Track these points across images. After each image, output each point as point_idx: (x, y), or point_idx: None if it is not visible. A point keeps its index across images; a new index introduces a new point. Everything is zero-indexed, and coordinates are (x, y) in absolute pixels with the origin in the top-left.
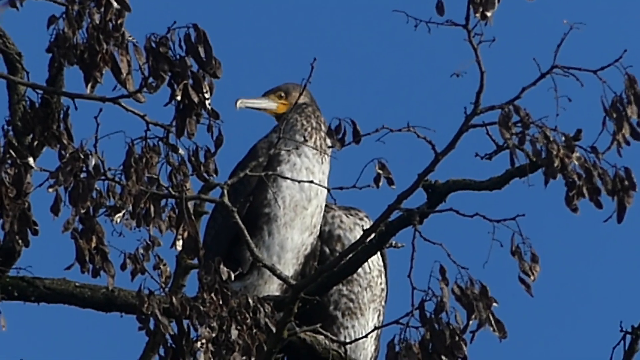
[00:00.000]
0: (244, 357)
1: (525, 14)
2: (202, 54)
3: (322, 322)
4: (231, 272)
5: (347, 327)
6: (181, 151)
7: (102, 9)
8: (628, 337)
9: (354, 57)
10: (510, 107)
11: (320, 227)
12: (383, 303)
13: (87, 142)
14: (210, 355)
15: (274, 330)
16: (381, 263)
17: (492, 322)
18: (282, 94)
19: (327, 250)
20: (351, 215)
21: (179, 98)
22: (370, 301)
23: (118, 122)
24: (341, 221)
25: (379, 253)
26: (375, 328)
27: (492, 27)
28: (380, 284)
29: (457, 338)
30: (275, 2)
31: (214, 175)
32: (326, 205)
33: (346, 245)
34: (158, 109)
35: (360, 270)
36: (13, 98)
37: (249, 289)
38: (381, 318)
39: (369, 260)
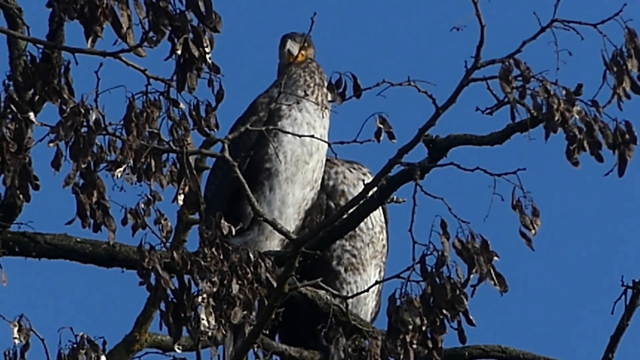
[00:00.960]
0: (245, 312)
1: None
2: (202, 8)
3: (324, 277)
4: (232, 227)
5: (349, 283)
6: (182, 105)
7: None
8: (629, 291)
9: (354, 11)
10: (511, 61)
11: (324, 182)
12: (384, 259)
13: (88, 97)
14: (211, 310)
15: (275, 284)
16: (383, 219)
17: (493, 276)
18: (306, 45)
19: (332, 205)
20: (354, 169)
21: (179, 52)
22: (372, 257)
23: (119, 77)
24: (345, 176)
25: (380, 209)
26: (377, 282)
27: None
28: (382, 239)
29: (458, 292)
30: None
31: (215, 130)
32: (329, 160)
33: (349, 200)
34: (159, 64)
35: (362, 226)
36: (14, 53)
37: (250, 244)
38: (382, 274)
39: (371, 216)
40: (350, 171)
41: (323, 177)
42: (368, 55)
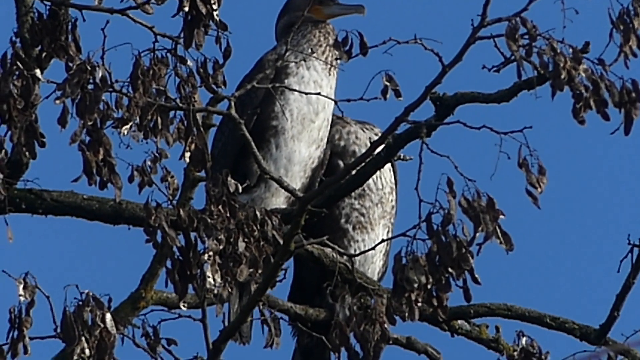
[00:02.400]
0: (251, 270)
1: None
2: None
3: (332, 235)
4: (239, 185)
5: (357, 241)
6: (189, 63)
7: None
8: (635, 250)
9: None
10: (517, 19)
11: (335, 141)
12: (392, 220)
13: (95, 54)
14: (217, 268)
15: (281, 242)
16: (393, 180)
17: (499, 234)
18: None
19: (342, 164)
20: (366, 129)
21: (186, 9)
22: (380, 217)
23: (126, 34)
24: (357, 137)
25: (391, 169)
26: (383, 240)
27: None
28: (391, 200)
29: (463, 250)
30: None
31: (223, 87)
32: (342, 119)
33: None
34: (166, 21)
35: (372, 185)
36: (21, 10)
37: (256, 202)
38: (390, 234)
39: (382, 177)
40: (363, 131)
41: (334, 137)
42: (374, 13)
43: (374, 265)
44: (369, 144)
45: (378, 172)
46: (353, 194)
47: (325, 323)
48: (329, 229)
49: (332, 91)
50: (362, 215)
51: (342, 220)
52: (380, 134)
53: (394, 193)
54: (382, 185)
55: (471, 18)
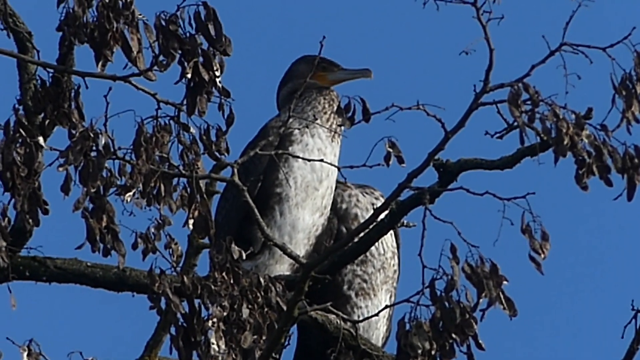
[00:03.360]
0: (255, 336)
1: None
2: (212, 32)
3: (335, 302)
4: (242, 252)
5: (360, 307)
6: (192, 130)
7: None
8: (639, 315)
9: (362, 35)
10: (520, 85)
11: (337, 205)
12: (395, 284)
13: (98, 121)
14: (222, 334)
15: (285, 309)
16: (394, 244)
17: (503, 300)
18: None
19: (344, 229)
20: (367, 194)
21: (189, 76)
22: (383, 282)
23: (129, 101)
24: (358, 200)
25: (393, 234)
26: (387, 306)
27: (500, 4)
28: (393, 265)
29: (467, 316)
30: None
31: (226, 154)
32: (342, 184)
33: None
34: (169, 88)
35: (374, 251)
36: (23, 77)
37: (260, 269)
38: (393, 299)
39: (383, 242)
40: (363, 195)
41: (336, 201)
42: (376, 79)
43: (377, 331)
44: (369, 208)
45: None
46: (355, 260)
47: None
48: (332, 296)
49: (335, 158)
50: (365, 281)
51: (345, 287)
52: (380, 197)
53: (396, 257)
54: (384, 250)
55: (474, 84)
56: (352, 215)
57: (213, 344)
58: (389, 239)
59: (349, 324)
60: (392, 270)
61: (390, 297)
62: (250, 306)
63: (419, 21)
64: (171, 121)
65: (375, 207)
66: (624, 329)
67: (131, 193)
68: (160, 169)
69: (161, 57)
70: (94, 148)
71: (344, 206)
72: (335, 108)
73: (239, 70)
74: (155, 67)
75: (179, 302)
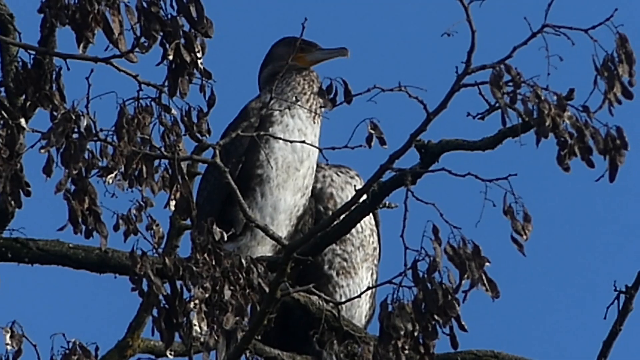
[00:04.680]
0: (237, 318)
1: None
2: (194, 14)
3: (316, 281)
4: (224, 233)
5: (342, 286)
6: (174, 111)
7: None
8: (622, 296)
9: (344, 16)
10: (502, 67)
11: (312, 185)
12: (376, 262)
13: (79, 103)
14: (204, 316)
15: (267, 290)
16: (373, 222)
17: (485, 281)
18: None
19: (321, 209)
20: (342, 173)
21: (171, 58)
22: (363, 260)
23: (110, 83)
24: (332, 180)
25: (371, 214)
26: (369, 288)
27: None
28: (373, 242)
29: (449, 297)
30: None
31: (207, 136)
32: (317, 165)
33: (338, 204)
34: (150, 69)
35: (352, 229)
36: (5, 59)
37: (242, 250)
38: (374, 277)
39: (362, 221)
40: (338, 174)
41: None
42: (358, 60)
43: (360, 309)
44: (344, 187)
45: None
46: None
47: None
48: (313, 276)
49: (316, 139)
50: (345, 260)
51: (326, 267)
52: (356, 177)
53: (375, 235)
54: (362, 228)
55: (455, 65)
56: (327, 194)
57: (195, 325)
58: (367, 217)
59: (331, 305)
60: (371, 248)
61: (372, 274)
62: (232, 288)
63: (401, 2)
64: (153, 103)
65: (354, 187)
66: (607, 309)
67: (113, 175)
68: (141, 150)
69: (143, 39)
70: (76, 130)
71: (318, 186)
72: (315, 89)
73: (220, 51)
74: (137, 49)
75: (160, 284)
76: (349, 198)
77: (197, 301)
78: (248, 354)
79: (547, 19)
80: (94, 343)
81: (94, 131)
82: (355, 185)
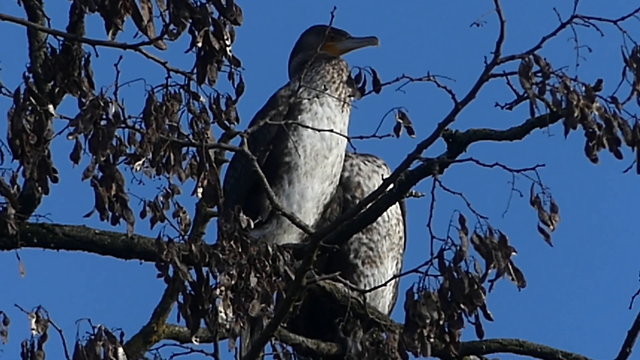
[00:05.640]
0: (263, 305)
1: None
2: (223, 1)
3: (342, 270)
4: (251, 221)
5: (367, 276)
6: (202, 99)
7: None
8: None
9: (373, 5)
10: (531, 57)
11: (340, 174)
12: (401, 251)
13: (108, 90)
14: (229, 303)
15: (293, 278)
16: (399, 211)
17: (511, 271)
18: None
19: (348, 197)
20: (369, 162)
21: (199, 45)
22: (389, 249)
23: (139, 70)
24: (360, 168)
25: (397, 203)
26: (395, 276)
27: None
28: (399, 232)
29: (475, 287)
30: None
31: (235, 123)
32: (344, 153)
33: (365, 193)
34: (179, 56)
35: (379, 218)
36: (34, 45)
37: (268, 238)
38: (399, 266)
39: (388, 209)
40: (365, 163)
41: None
42: (388, 50)
43: (384, 298)
44: (371, 175)
45: None
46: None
47: (338, 358)
48: (338, 264)
49: (345, 127)
50: (371, 249)
51: (351, 256)
52: (383, 166)
53: (401, 224)
54: (389, 217)
55: (484, 55)
56: (354, 183)
57: (221, 312)
58: (393, 206)
59: (356, 293)
60: (397, 237)
61: (397, 264)
62: (258, 275)
63: None
64: (181, 90)
65: (381, 176)
66: (632, 299)
67: (140, 162)
68: (169, 137)
69: (172, 26)
70: (104, 117)
71: (346, 174)
72: (344, 77)
73: (249, 39)
74: (166, 36)
75: (186, 270)
76: (376, 187)
77: (222, 288)
78: (273, 341)
79: (576, 10)
80: (119, 329)
81: (122, 118)
82: (382, 175)
